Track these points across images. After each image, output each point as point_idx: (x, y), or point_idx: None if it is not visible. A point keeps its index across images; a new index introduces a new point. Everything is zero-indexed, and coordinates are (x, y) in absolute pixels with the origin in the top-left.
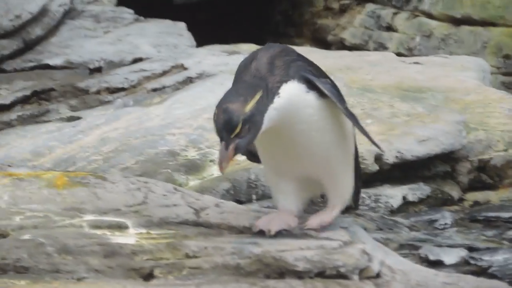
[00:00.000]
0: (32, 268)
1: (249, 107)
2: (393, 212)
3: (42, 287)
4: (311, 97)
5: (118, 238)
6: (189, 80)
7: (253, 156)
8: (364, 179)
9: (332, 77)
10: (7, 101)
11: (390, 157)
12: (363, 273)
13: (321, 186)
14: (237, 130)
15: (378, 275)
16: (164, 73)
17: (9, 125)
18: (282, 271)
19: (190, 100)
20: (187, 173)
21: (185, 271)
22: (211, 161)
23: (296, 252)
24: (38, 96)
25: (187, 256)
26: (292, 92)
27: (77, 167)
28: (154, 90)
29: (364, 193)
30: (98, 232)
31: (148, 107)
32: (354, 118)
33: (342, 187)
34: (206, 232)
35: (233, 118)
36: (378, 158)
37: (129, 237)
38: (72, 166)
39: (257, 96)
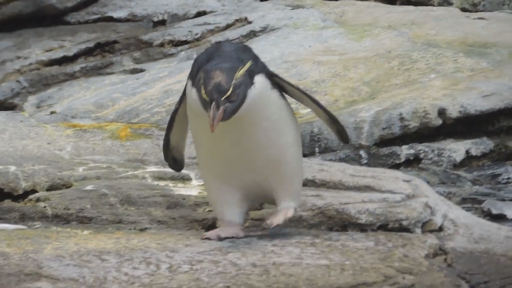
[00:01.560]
0: (95, 218)
1: (240, 73)
2: (456, 166)
3: (104, 237)
4: (274, 95)
5: (181, 190)
6: (252, 34)
7: (175, 163)
8: (427, 133)
9: (396, 32)
10: (70, 53)
11: (453, 112)
12: (426, 227)
13: (266, 194)
14: (229, 93)
15: (440, 229)
16: (228, 26)
17: (72, 76)
18: (345, 224)
19: None
20: None
21: (247, 223)
22: None
23: (359, 205)
24: (102, 48)
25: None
26: (262, 85)
27: (140, 119)
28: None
29: (427, 147)
30: (161, 183)
31: None
32: (321, 105)
33: (293, 190)
34: None
35: (225, 80)
36: (441, 113)
37: (192, 189)
38: (135, 118)
39: (247, 65)
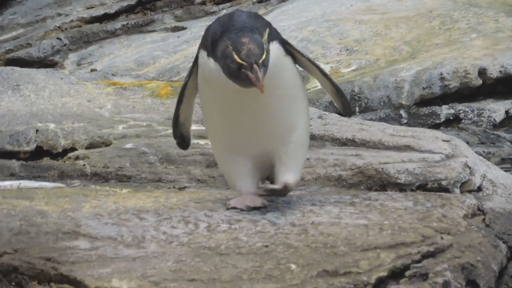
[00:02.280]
0: (134, 177)
1: (265, 40)
2: (496, 126)
3: (144, 196)
4: (288, 61)
5: None
6: None
7: (182, 141)
8: (467, 93)
9: None
10: (111, 10)
11: (493, 72)
12: (465, 186)
13: (275, 160)
14: (264, 56)
15: (479, 189)
16: None
17: (113, 34)
18: (384, 183)
19: (295, 12)
20: None
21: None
22: None
23: (398, 164)
24: (143, 5)
25: None
26: (277, 52)
27: (181, 77)
28: (260, 1)
29: (467, 107)
30: (201, 142)
31: None
32: (328, 75)
33: (300, 161)
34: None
35: (258, 45)
36: (482, 73)
37: None
38: (176, 76)
39: (267, 32)
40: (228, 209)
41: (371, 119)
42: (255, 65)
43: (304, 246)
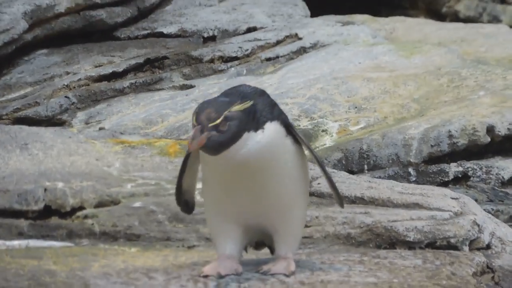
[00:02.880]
0: (143, 235)
1: (236, 109)
2: (504, 184)
3: (152, 255)
4: (288, 142)
5: None
6: (303, 50)
7: (186, 207)
8: (476, 151)
9: (446, 49)
10: (120, 68)
11: (502, 129)
12: (473, 244)
13: (265, 234)
14: (218, 121)
15: (488, 246)
16: (278, 42)
17: (122, 92)
18: (393, 241)
19: (304, 70)
20: None
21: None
22: (323, 131)
23: (407, 222)
24: (151, 64)
25: None
26: (275, 133)
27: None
28: (268, 59)
29: (475, 164)
30: None
31: (261, 76)
32: (324, 167)
33: (297, 235)
34: (317, 201)
35: (217, 109)
36: (490, 130)
37: None
38: (184, 134)
39: (247, 104)
40: (200, 276)
41: (379, 177)
42: (198, 126)
43: None
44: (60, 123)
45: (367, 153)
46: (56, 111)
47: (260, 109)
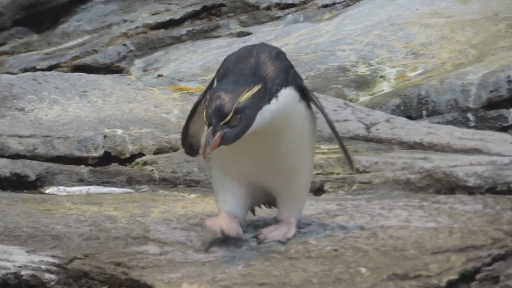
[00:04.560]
0: (202, 181)
1: (244, 97)
2: None
3: (212, 201)
4: (302, 107)
5: None
6: None
7: (191, 150)
8: None
9: None
10: (177, 16)
11: None
12: None
13: (275, 195)
14: (228, 118)
15: None
16: None
17: (179, 40)
18: (453, 186)
19: (361, 16)
20: (357, 89)
21: (355, 186)
22: (381, 77)
23: (466, 167)
24: (208, 11)
25: (357, 171)
26: (289, 98)
27: None
28: (325, 6)
29: None
30: None
31: (318, 23)
32: (336, 131)
33: (301, 201)
34: (376, 147)
35: (225, 105)
36: None
37: None
38: None
39: (255, 89)
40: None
41: (438, 123)
42: (210, 129)
43: (374, 249)
44: (118, 71)
45: (425, 98)
46: (114, 59)
47: (273, 78)
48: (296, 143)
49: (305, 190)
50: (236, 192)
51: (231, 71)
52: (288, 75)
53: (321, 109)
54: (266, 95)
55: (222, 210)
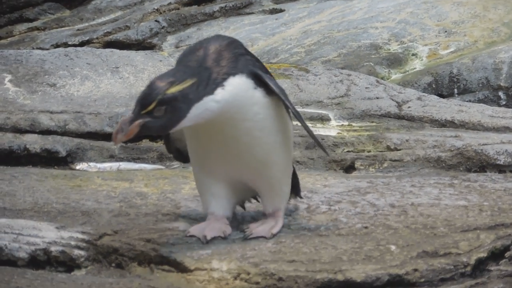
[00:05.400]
0: None
1: (173, 90)
2: None
3: None
4: (258, 94)
5: (319, 130)
6: None
7: (180, 155)
8: None
9: None
10: None
11: None
12: None
13: (255, 190)
14: (150, 107)
15: None
16: None
17: (211, 16)
18: (483, 164)
19: None
20: (389, 67)
21: (386, 164)
22: (413, 54)
23: (497, 145)
24: None
25: (389, 149)
26: (239, 87)
27: (280, 59)
28: None
29: None
30: (299, 124)
31: (351, 0)
32: (300, 117)
33: (281, 192)
34: (408, 124)
35: (151, 94)
36: None
37: (331, 129)
38: (274, 58)
39: (188, 83)
40: (186, 236)
41: (469, 101)
42: (127, 115)
43: (404, 227)
44: (150, 47)
45: (457, 77)
46: (146, 35)
47: (220, 67)
48: (258, 132)
49: (283, 181)
50: (217, 192)
51: (182, 62)
52: (238, 63)
53: (278, 93)
54: (208, 86)
55: (207, 212)
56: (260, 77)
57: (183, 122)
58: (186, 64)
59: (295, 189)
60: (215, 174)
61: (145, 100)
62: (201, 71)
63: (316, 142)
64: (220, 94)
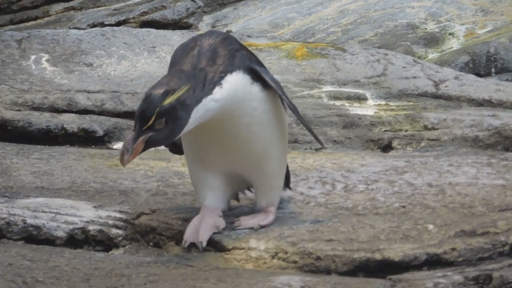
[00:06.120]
0: None
1: (170, 99)
2: None
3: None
4: (255, 89)
5: (357, 109)
6: None
7: (175, 147)
8: None
9: None
10: None
11: None
12: None
13: (250, 182)
14: (150, 122)
15: None
16: None
17: None
18: None
19: None
20: (426, 46)
21: (423, 143)
22: (450, 34)
23: None
24: None
25: (426, 128)
26: (237, 84)
27: (316, 39)
28: None
29: None
30: (337, 103)
31: None
32: (296, 110)
33: (276, 186)
34: (445, 104)
35: (148, 108)
36: None
37: (368, 109)
38: (311, 38)
39: (183, 89)
40: (184, 247)
41: (507, 80)
42: (131, 135)
43: (442, 206)
44: (187, 27)
45: (494, 56)
46: (182, 15)
47: (216, 67)
48: (256, 127)
49: (279, 174)
50: (212, 184)
51: (176, 64)
52: (234, 59)
53: (274, 87)
54: (206, 87)
55: (202, 204)
56: (257, 71)
57: (186, 127)
58: (180, 68)
59: (286, 180)
60: (211, 167)
61: (144, 116)
62: (196, 74)
63: (312, 134)
64: (218, 93)
